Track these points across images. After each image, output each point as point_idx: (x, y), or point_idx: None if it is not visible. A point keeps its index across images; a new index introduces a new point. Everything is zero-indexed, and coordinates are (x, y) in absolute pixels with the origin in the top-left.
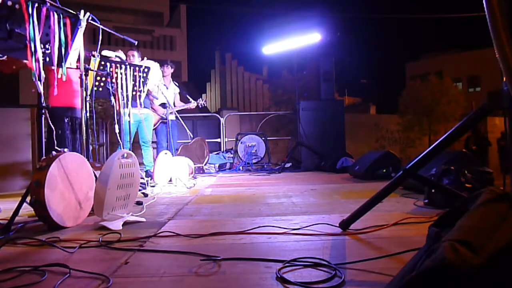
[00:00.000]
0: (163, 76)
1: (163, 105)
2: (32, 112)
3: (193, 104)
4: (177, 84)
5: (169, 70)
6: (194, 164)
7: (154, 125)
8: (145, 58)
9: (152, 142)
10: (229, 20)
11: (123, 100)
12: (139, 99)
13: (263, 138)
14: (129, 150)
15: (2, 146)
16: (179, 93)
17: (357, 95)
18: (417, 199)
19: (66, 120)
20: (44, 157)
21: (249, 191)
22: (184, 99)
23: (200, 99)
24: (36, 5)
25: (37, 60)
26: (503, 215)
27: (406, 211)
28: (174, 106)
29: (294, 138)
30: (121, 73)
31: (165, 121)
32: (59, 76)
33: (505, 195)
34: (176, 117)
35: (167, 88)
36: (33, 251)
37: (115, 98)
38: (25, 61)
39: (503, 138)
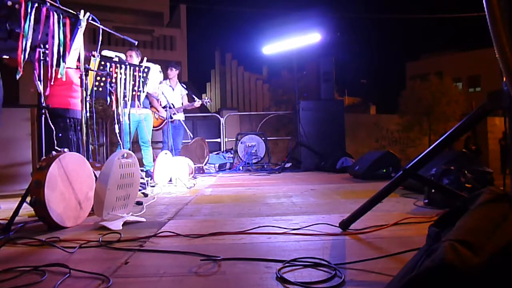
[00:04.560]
0: (169, 78)
1: (164, 106)
2: (32, 112)
3: (197, 103)
4: (184, 86)
5: (173, 72)
6: (194, 164)
7: (159, 126)
8: (145, 59)
9: (157, 142)
10: (229, 20)
11: (123, 100)
12: (139, 99)
13: (263, 138)
14: (129, 150)
15: (2, 146)
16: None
17: (357, 95)
18: (417, 199)
19: (67, 121)
20: (44, 157)
21: (249, 191)
22: (189, 98)
23: (206, 98)
24: (36, 5)
25: (37, 60)
26: (503, 215)
27: (406, 211)
28: (184, 105)
29: (294, 138)
30: (121, 73)
31: (171, 120)
32: (59, 76)
33: (505, 195)
34: (184, 117)
35: (173, 89)
36: (33, 251)
37: (111, 98)
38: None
39: (504, 138)
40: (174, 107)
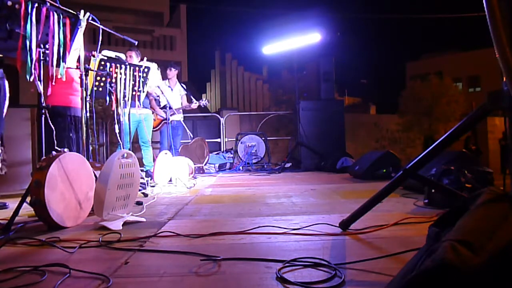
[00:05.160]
0: (168, 78)
1: (164, 106)
2: (32, 112)
3: (194, 104)
4: (184, 86)
5: (172, 72)
6: (194, 164)
7: (157, 126)
8: (145, 59)
9: (156, 142)
10: (229, 20)
11: (123, 100)
12: (139, 99)
13: (263, 138)
14: (129, 150)
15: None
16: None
17: (357, 95)
18: (417, 199)
19: (67, 120)
20: (44, 157)
21: (249, 191)
22: (187, 99)
23: (202, 99)
24: (36, 5)
25: (37, 60)
26: (503, 215)
27: (406, 211)
28: (182, 106)
29: (294, 138)
30: (120, 73)
31: (168, 121)
32: (59, 77)
33: (505, 195)
34: (182, 118)
35: (171, 90)
36: (33, 251)
37: (111, 97)
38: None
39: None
40: (172, 107)
